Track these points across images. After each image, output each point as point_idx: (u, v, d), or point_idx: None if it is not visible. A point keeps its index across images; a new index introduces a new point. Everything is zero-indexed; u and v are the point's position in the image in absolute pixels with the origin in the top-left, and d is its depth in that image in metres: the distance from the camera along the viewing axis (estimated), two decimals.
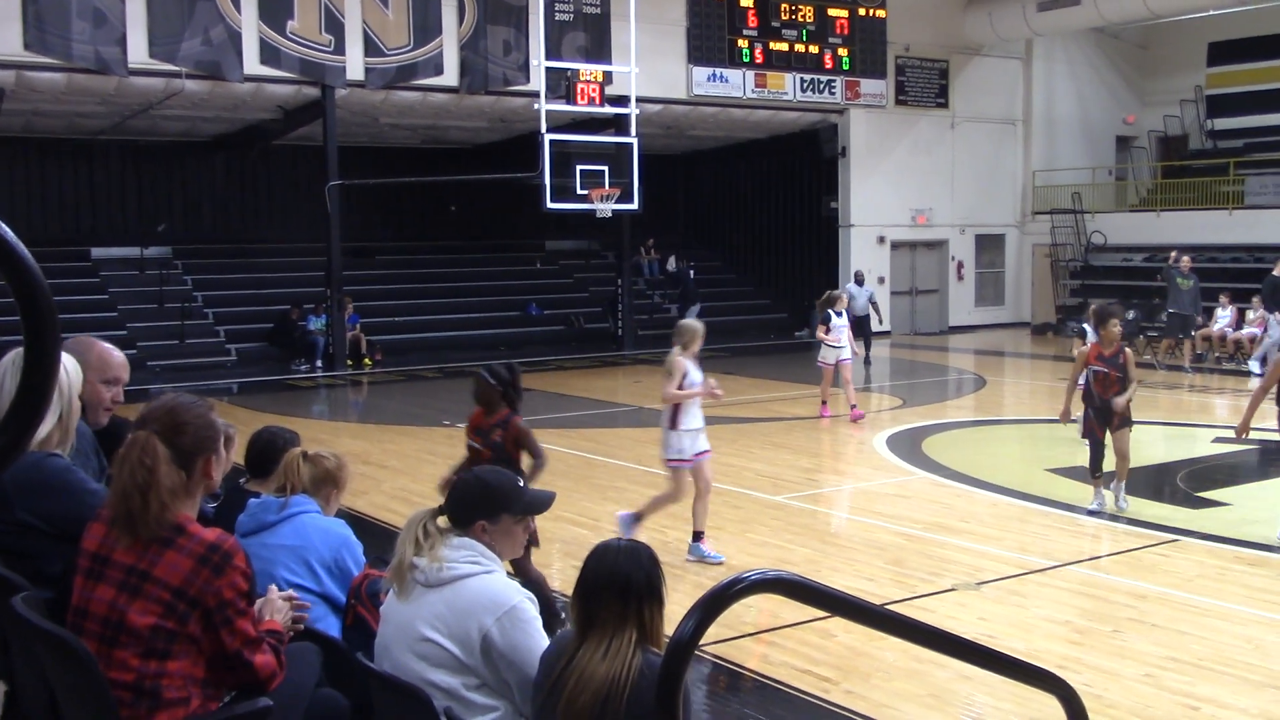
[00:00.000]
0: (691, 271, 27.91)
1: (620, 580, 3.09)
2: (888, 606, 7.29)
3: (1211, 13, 26.25)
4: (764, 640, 6.83)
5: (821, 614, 6.38)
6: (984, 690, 5.89)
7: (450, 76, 22.22)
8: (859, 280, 21.33)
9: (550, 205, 19.11)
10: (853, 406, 15.30)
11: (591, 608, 3.10)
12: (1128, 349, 9.97)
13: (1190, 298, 20.82)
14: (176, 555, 2.93)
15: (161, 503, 2.90)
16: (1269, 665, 6.38)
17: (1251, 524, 9.74)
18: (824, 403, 15.70)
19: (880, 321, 22.50)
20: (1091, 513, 9.85)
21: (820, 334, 15.74)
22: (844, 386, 15.59)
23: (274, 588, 3.59)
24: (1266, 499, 10.95)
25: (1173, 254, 21.93)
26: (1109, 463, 9.99)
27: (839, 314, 15.52)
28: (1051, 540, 9.23)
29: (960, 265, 29.72)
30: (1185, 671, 6.28)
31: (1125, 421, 9.86)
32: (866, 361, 20.12)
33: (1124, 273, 27.81)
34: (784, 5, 25.94)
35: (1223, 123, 29.96)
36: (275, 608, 3.44)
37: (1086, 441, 10.11)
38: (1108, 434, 9.87)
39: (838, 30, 26.69)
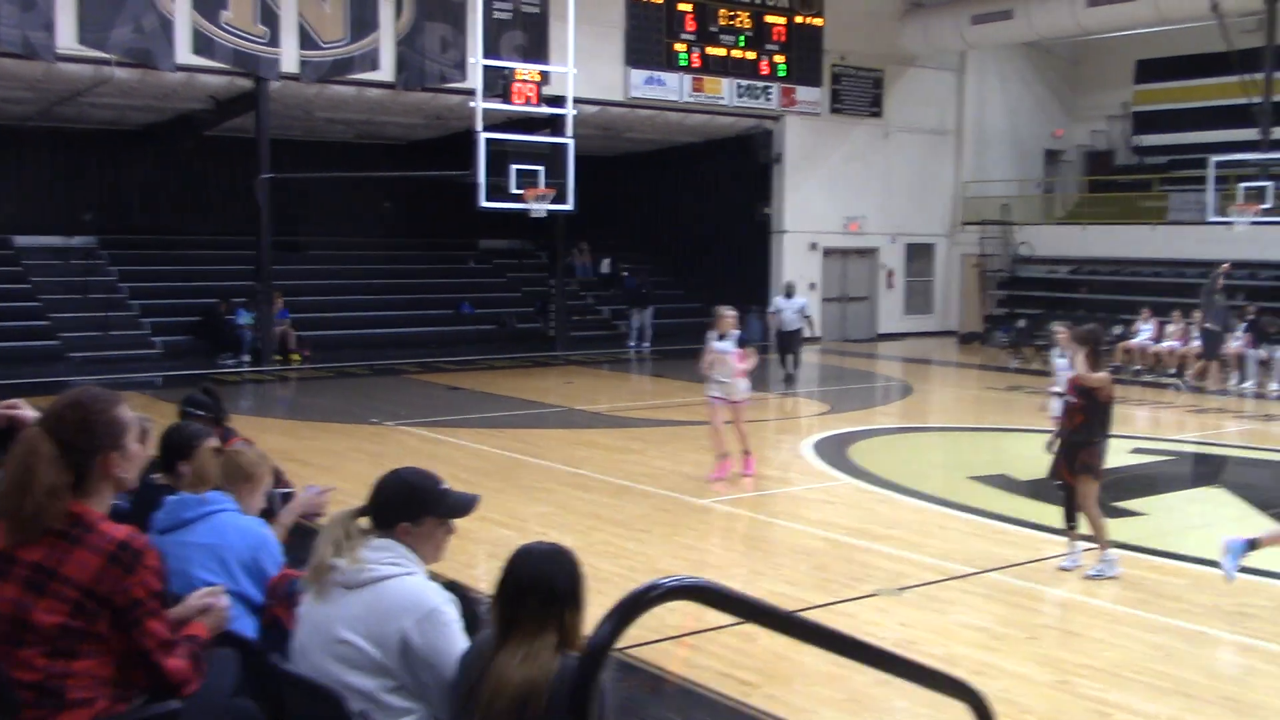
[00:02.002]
0: (629, 275, 27.95)
1: (543, 584, 3.09)
2: (810, 612, 7.37)
3: (1140, 30, 26.81)
4: (687, 644, 6.86)
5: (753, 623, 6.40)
6: (901, 696, 5.96)
7: (386, 72, 22.07)
8: (788, 293, 21.19)
9: (484, 204, 19.02)
10: (746, 454, 12.14)
11: (512, 611, 3.09)
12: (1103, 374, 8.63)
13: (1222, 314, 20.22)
14: (85, 553, 2.88)
15: (38, 502, 2.85)
16: (1179, 673, 6.52)
17: (1165, 534, 9.96)
18: (722, 456, 12.01)
19: (811, 330, 22.55)
20: (1063, 569, 8.57)
21: (705, 362, 12.18)
22: (729, 430, 12.10)
23: (217, 588, 3.54)
24: (1181, 509, 11.21)
25: (1224, 265, 20.69)
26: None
27: (720, 338, 12.03)
28: (972, 547, 9.36)
29: (890, 273, 30.04)
30: (1097, 678, 6.40)
31: (1086, 467, 8.47)
32: (789, 379, 20.06)
33: (1050, 284, 28.32)
34: (722, 11, 26.08)
35: (1148, 139, 30.62)
36: (208, 611, 3.39)
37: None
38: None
39: (775, 37, 26.87)
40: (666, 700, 6.23)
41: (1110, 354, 23.06)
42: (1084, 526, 8.60)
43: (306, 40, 21.16)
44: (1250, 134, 23.52)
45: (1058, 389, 10.96)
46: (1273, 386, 19.61)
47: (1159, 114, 30.24)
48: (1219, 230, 23.64)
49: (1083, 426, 8.49)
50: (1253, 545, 7.54)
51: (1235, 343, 20.19)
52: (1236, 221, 22.58)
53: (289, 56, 21.01)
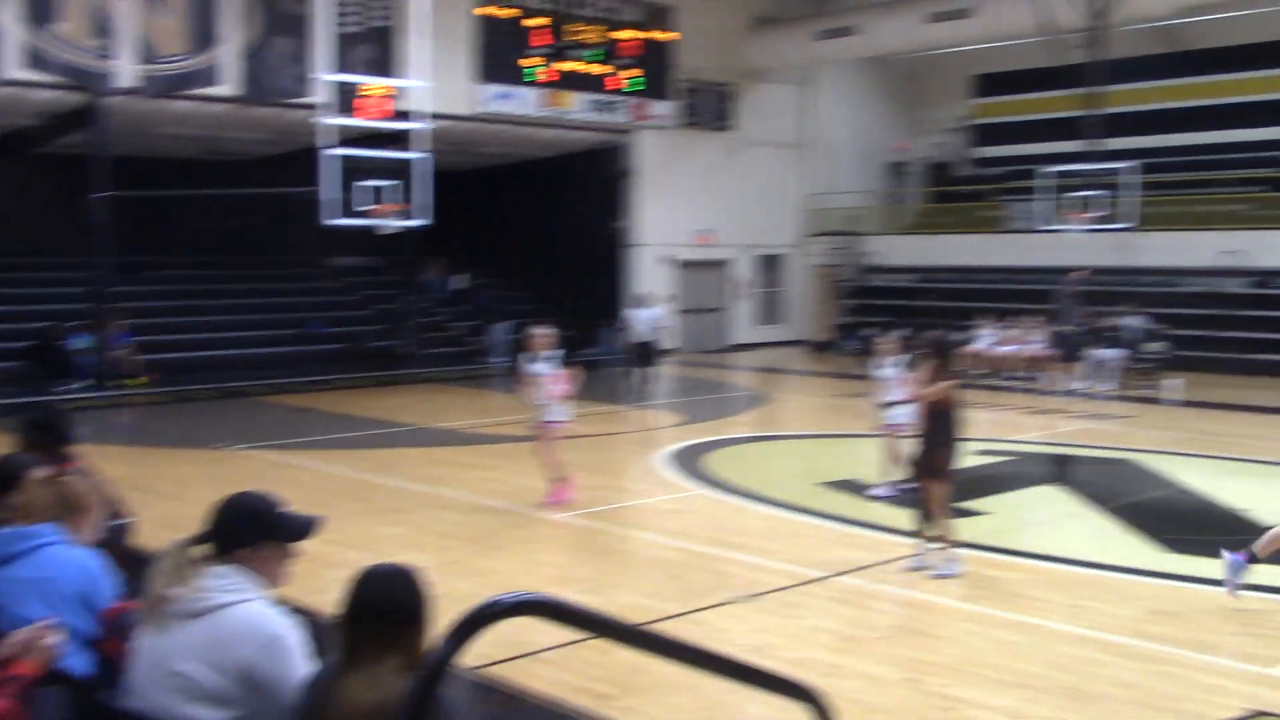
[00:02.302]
0: (479, 290, 27.79)
1: (379, 606, 3.06)
2: (666, 621, 7.43)
3: (978, 46, 27.81)
4: (541, 659, 6.84)
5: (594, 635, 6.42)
6: (754, 702, 6.04)
7: (230, 86, 21.53)
8: (641, 304, 21.43)
9: (329, 220, 18.70)
10: (560, 481, 11.38)
11: (355, 634, 3.06)
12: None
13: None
14: None
15: None
16: (1021, 666, 6.76)
17: (1007, 532, 10.33)
18: (555, 480, 11.40)
19: (663, 343, 22.73)
20: (912, 569, 8.86)
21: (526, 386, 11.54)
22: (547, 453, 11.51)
23: (46, 623, 3.39)
24: (1022, 507, 11.63)
25: (1074, 273, 21.77)
26: None
27: (535, 359, 11.38)
28: (824, 552, 9.55)
29: (743, 284, 30.49)
30: (943, 674, 6.60)
31: (935, 470, 8.82)
32: (640, 391, 20.18)
33: (896, 293, 29.11)
34: (574, 26, 26.16)
35: (986, 151, 31.77)
36: (36, 648, 3.25)
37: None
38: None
39: (626, 52, 27.08)
40: (525, 716, 6.20)
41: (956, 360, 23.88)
42: (936, 528, 8.86)
43: (146, 54, 20.51)
44: (1083, 145, 24.57)
45: (890, 398, 11.35)
46: (1100, 387, 20.49)
47: (995, 126, 31.44)
48: (1053, 238, 24.65)
49: (930, 432, 8.80)
50: (1252, 559, 7.82)
51: (1103, 347, 20.98)
52: (1068, 230, 23.58)
53: (127, 70, 20.34)
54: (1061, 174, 23.83)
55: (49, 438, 6.09)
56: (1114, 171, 23.07)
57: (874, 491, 11.70)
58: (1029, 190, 25.31)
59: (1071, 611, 7.86)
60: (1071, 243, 24.36)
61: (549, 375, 11.30)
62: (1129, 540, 10.02)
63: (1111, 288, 23.63)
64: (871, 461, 12.15)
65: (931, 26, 26.33)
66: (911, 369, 10.54)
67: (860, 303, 29.50)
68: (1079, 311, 21.21)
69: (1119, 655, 6.99)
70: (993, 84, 31.24)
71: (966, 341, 23.28)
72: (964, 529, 9.49)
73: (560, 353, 11.59)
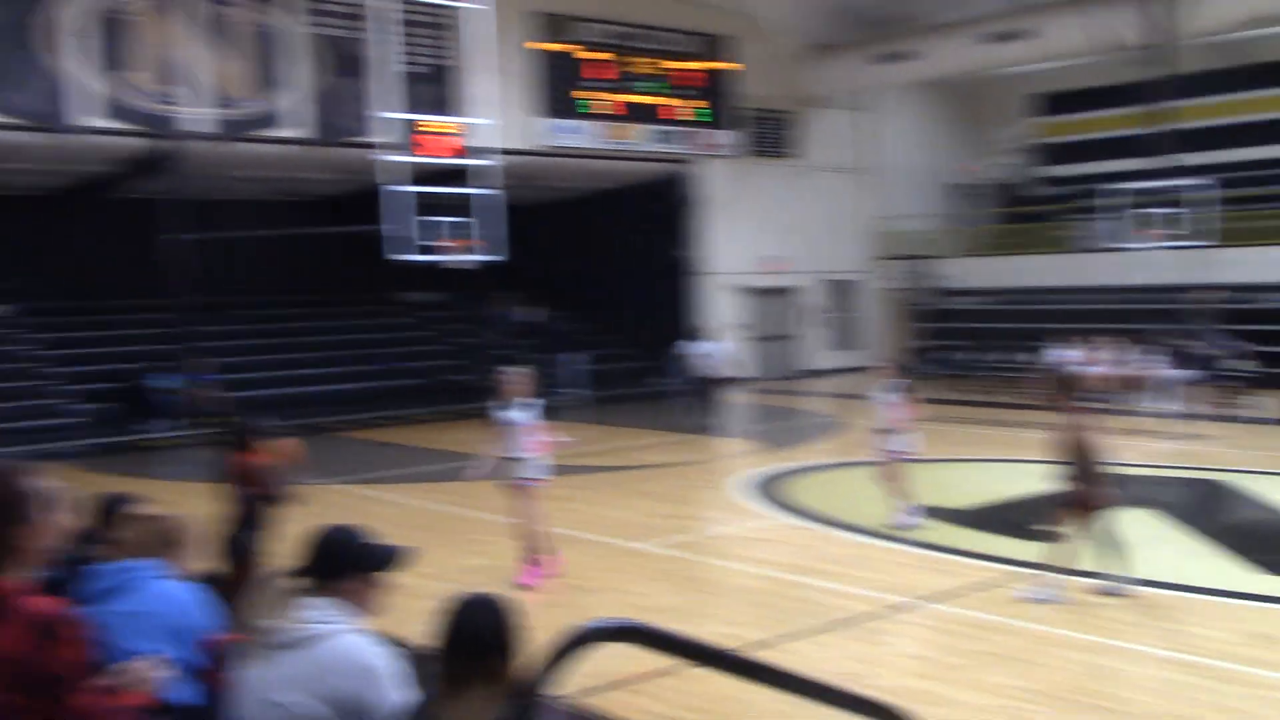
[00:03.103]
0: (549, 322, 27.94)
1: (467, 635, 3.07)
2: (751, 650, 7.35)
3: (1041, 66, 27.52)
4: (633, 688, 6.80)
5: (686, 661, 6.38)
6: None
7: (299, 128, 21.90)
8: (695, 337, 20.62)
9: (395, 256, 18.89)
10: (534, 556, 9.81)
11: (447, 664, 3.08)
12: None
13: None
14: (8, 627, 2.79)
15: None
16: (1117, 691, 6.60)
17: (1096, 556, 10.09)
18: (529, 554, 9.81)
19: (721, 373, 22.25)
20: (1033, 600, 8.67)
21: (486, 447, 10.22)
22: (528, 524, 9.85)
23: (151, 657, 3.44)
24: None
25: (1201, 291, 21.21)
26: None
27: (508, 407, 9.93)
28: (910, 578, 9.41)
29: (814, 311, 30.31)
30: (1039, 701, 6.45)
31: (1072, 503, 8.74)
32: (696, 422, 20.03)
33: (972, 315, 28.77)
34: (636, 59, 26.33)
35: (1054, 170, 31.37)
36: (143, 679, 3.30)
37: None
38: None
39: (688, 83, 27.18)
40: None
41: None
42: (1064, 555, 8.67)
43: (216, 99, 20.96)
44: (1155, 162, 24.16)
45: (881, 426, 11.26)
46: (1180, 408, 20.01)
47: (1062, 146, 31.04)
48: (1126, 256, 24.25)
49: (1074, 467, 8.63)
50: None
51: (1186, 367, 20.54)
52: (1141, 248, 23.15)
53: (198, 116, 20.78)
54: (1133, 191, 23.44)
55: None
56: (1186, 188, 22.66)
57: (899, 521, 11.29)
58: (1099, 209, 24.94)
59: (1166, 635, 7.67)
60: (1145, 261, 23.94)
61: (525, 425, 9.86)
62: (1221, 563, 9.77)
63: (1188, 305, 23.14)
64: (954, 485, 11.99)
65: (991, 47, 26.11)
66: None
67: (934, 326, 29.20)
68: (1210, 332, 20.82)
69: (1217, 680, 6.79)
70: (1057, 103, 30.89)
71: (1080, 366, 22.82)
72: (1055, 554, 9.29)
73: (540, 401, 10.08)
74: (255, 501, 8.60)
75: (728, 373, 21.15)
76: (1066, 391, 8.97)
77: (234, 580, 7.73)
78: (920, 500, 11.37)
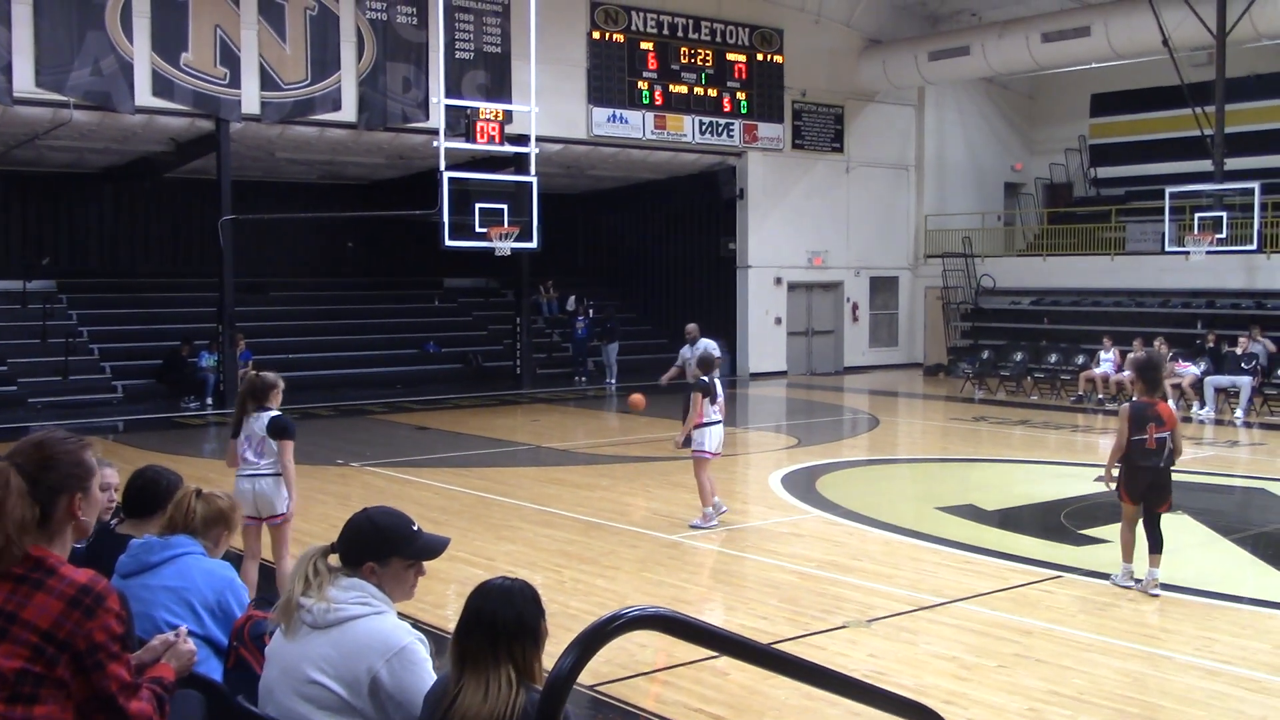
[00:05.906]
0: (592, 310, 27.97)
1: (486, 619, 3.09)
2: (780, 644, 7.35)
3: (1094, 65, 27.22)
4: (658, 679, 6.83)
5: (715, 652, 6.39)
6: None
7: (348, 112, 22.06)
8: (691, 339, 16.78)
9: (449, 243, 19.01)
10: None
11: (464, 647, 3.11)
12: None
13: None
14: (46, 597, 2.83)
15: (7, 535, 2.80)
16: (1149, 699, 6.54)
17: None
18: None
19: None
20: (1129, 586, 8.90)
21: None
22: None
23: (182, 630, 3.49)
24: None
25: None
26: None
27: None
28: (941, 577, 9.38)
29: (855, 306, 30.21)
30: (1066, 705, 6.41)
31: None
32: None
33: (1013, 315, 28.56)
34: (684, 49, 26.30)
35: (1105, 171, 31.04)
36: (174, 653, 3.35)
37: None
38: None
39: (736, 74, 27.13)
40: None
41: (1021, 373, 23.48)
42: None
43: (267, 81, 21.14)
44: (1204, 165, 23.88)
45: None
46: (1237, 414, 19.82)
47: (1115, 146, 30.67)
48: (1177, 260, 23.97)
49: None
50: None
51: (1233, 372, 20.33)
52: (1193, 251, 22.88)
53: (250, 97, 20.97)
54: (1186, 194, 23.16)
55: None
56: (1239, 192, 22.35)
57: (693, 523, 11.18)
58: (1149, 211, 24.65)
59: (1202, 644, 7.59)
60: (1194, 265, 23.65)
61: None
62: (1261, 571, 9.66)
63: (1238, 311, 22.86)
64: (989, 485, 11.91)
65: (1048, 46, 25.82)
66: None
67: (975, 325, 29.00)
68: (1254, 339, 20.61)
69: (1252, 690, 6.73)
70: (1111, 103, 30.51)
71: (1086, 366, 22.71)
72: (1087, 557, 9.25)
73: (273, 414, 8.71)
74: None
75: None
76: (1146, 378, 9.05)
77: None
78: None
